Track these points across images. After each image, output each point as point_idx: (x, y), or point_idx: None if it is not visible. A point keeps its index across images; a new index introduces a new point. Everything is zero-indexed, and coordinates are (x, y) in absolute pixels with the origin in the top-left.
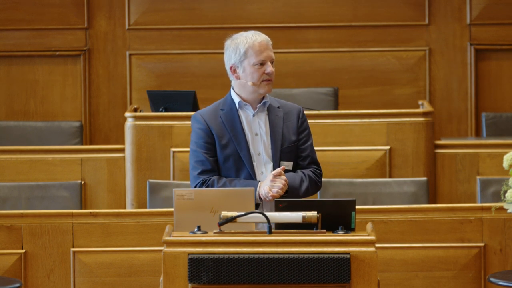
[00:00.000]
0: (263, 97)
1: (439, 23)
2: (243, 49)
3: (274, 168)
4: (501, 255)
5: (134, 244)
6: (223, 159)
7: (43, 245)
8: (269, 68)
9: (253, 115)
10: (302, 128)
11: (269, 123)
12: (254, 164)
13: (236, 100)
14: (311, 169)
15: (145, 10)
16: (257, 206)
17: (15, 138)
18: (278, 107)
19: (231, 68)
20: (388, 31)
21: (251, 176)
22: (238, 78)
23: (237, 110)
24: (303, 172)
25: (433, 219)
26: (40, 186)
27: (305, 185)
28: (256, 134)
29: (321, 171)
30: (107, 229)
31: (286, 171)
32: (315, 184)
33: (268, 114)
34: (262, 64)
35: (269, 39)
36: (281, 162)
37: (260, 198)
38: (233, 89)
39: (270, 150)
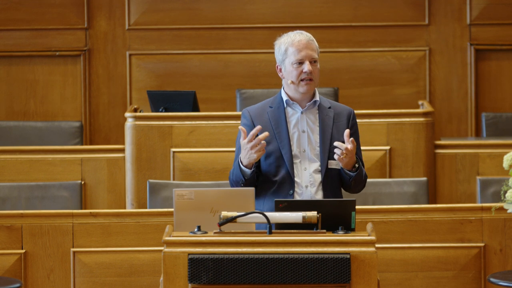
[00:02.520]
0: (313, 96)
1: (439, 23)
2: (284, 48)
3: (321, 167)
4: (501, 255)
5: (134, 244)
6: (265, 155)
7: (43, 245)
8: (307, 67)
9: (302, 113)
10: (352, 130)
11: (319, 122)
12: (298, 161)
13: (284, 98)
14: None
15: (145, 10)
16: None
17: (15, 138)
18: (329, 107)
19: (277, 67)
20: (388, 31)
21: (289, 174)
22: (282, 77)
23: (284, 108)
24: None
25: (433, 219)
26: (40, 186)
27: (364, 170)
28: (303, 131)
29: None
30: (107, 229)
31: (332, 170)
32: (365, 181)
33: (319, 113)
34: (300, 63)
35: (311, 38)
36: (329, 162)
37: (246, 170)
38: (283, 87)
39: (318, 148)
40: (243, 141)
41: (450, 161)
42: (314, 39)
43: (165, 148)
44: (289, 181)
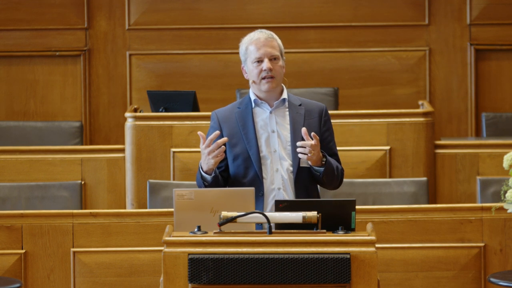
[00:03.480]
0: (281, 94)
1: (439, 23)
2: (244, 47)
3: (293, 167)
4: (501, 255)
5: (134, 244)
6: (233, 157)
7: (43, 245)
8: (266, 64)
9: (270, 112)
10: (326, 127)
11: (289, 120)
12: (268, 162)
13: (252, 98)
14: None
15: (145, 10)
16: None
17: (15, 138)
18: (300, 105)
19: (242, 68)
20: (388, 31)
21: (258, 176)
22: (247, 77)
23: (252, 108)
24: None
25: (433, 219)
26: (40, 186)
27: (335, 163)
28: (273, 131)
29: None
30: (107, 229)
31: (305, 168)
32: (342, 175)
33: (289, 111)
34: (259, 61)
35: (271, 36)
36: (300, 160)
37: (206, 175)
38: (251, 88)
39: (289, 147)
40: (201, 146)
41: (450, 161)
42: (276, 37)
43: (165, 148)
44: (258, 182)
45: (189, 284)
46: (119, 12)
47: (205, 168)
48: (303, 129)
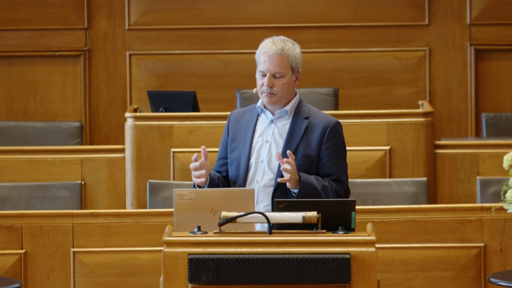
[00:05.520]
0: (287, 104)
1: (439, 23)
2: (257, 54)
3: (274, 181)
4: (501, 255)
5: (134, 244)
6: (230, 161)
7: (43, 245)
8: (266, 81)
9: (271, 121)
10: (327, 145)
11: (287, 132)
12: (252, 171)
13: (258, 104)
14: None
15: (145, 10)
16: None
17: (15, 138)
18: (307, 117)
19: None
20: (388, 31)
21: (241, 185)
22: None
23: (258, 114)
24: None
25: (433, 219)
26: (40, 186)
27: (322, 183)
28: (267, 141)
29: (348, 189)
30: (107, 229)
31: (285, 185)
32: (336, 191)
33: (291, 123)
34: (263, 75)
35: (280, 50)
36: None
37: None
38: None
39: (276, 161)
40: (191, 167)
41: (450, 161)
42: (290, 50)
43: (165, 148)
44: None
45: (189, 284)
46: (119, 12)
47: (196, 183)
48: (276, 153)
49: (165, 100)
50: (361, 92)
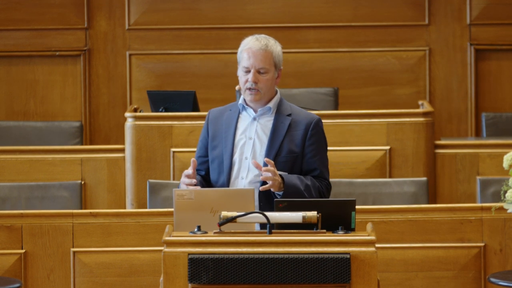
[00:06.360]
0: (269, 102)
1: (439, 23)
2: (239, 51)
3: (260, 177)
4: (501, 255)
5: (134, 244)
6: (211, 159)
7: (43, 245)
8: (251, 76)
9: (254, 119)
10: (311, 141)
11: (271, 130)
12: (236, 168)
13: (240, 102)
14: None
15: (145, 10)
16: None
17: (15, 138)
18: (289, 115)
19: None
20: (388, 31)
21: (225, 182)
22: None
23: (240, 112)
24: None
25: (433, 219)
26: (40, 186)
27: (305, 182)
28: (250, 138)
29: (329, 185)
30: (107, 229)
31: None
32: (319, 189)
33: (274, 120)
34: (247, 71)
35: (265, 46)
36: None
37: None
38: None
39: (261, 158)
40: (184, 174)
41: (450, 161)
42: (273, 47)
43: (165, 148)
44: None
45: (189, 284)
46: (119, 12)
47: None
48: (253, 162)
49: (165, 100)
50: (361, 92)
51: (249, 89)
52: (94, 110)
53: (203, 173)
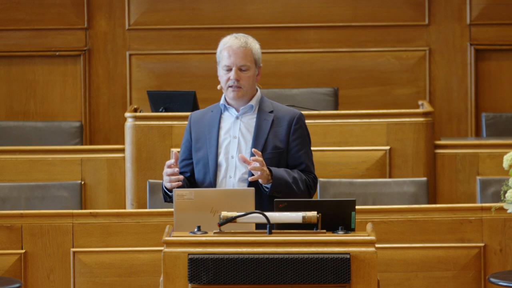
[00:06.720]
0: (250, 100)
1: (439, 23)
2: (219, 50)
3: (248, 175)
4: (501, 255)
5: (134, 244)
6: (196, 161)
7: (43, 245)
8: (233, 74)
9: (237, 118)
10: (295, 136)
11: (255, 127)
12: (223, 168)
13: (221, 102)
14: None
15: (145, 10)
16: None
17: (15, 138)
18: (271, 111)
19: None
20: (388, 31)
21: (211, 183)
22: (220, 80)
23: (222, 113)
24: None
25: (433, 219)
26: (40, 186)
27: (292, 175)
28: (235, 137)
29: (315, 178)
30: (107, 229)
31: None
32: (306, 182)
33: (257, 117)
34: (228, 69)
35: (245, 44)
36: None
37: (167, 191)
38: None
39: (247, 156)
40: (167, 163)
41: (450, 161)
42: (252, 44)
43: (165, 148)
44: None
45: (189, 284)
46: (119, 12)
47: (168, 187)
48: (240, 156)
49: (165, 100)
50: (361, 92)
51: (232, 86)
52: (94, 110)
53: (188, 174)
